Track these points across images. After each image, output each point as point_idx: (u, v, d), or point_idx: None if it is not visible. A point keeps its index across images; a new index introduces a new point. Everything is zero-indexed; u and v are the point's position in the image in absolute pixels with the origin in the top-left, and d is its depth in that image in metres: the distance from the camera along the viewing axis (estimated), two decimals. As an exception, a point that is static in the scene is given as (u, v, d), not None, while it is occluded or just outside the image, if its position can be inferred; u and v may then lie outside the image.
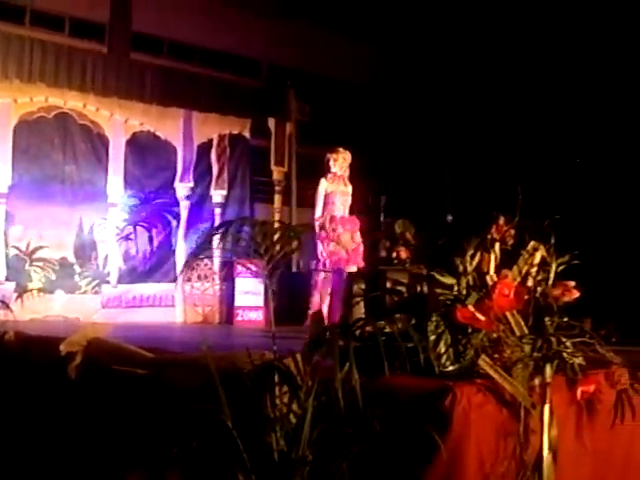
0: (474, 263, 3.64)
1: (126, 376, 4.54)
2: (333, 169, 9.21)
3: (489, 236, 3.71)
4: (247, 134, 18.51)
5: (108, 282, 16.11)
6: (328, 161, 9.30)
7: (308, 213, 19.92)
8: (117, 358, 4.84)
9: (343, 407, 3.21)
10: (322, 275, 8.99)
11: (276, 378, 3.42)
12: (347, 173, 9.44)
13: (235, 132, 18.42)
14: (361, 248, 8.93)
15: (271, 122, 18.74)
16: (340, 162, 9.29)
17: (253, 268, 3.64)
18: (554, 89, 17.25)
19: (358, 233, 9.08)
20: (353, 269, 8.62)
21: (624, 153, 17.24)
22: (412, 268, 4.07)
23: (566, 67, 17.09)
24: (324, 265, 8.79)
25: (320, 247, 8.77)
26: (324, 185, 9.16)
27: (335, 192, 9.09)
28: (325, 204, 9.06)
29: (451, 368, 3.47)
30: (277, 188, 18.99)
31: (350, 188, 9.42)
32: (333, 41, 22.26)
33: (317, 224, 8.97)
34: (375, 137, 23.61)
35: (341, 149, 9.48)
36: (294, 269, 16.69)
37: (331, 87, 22.66)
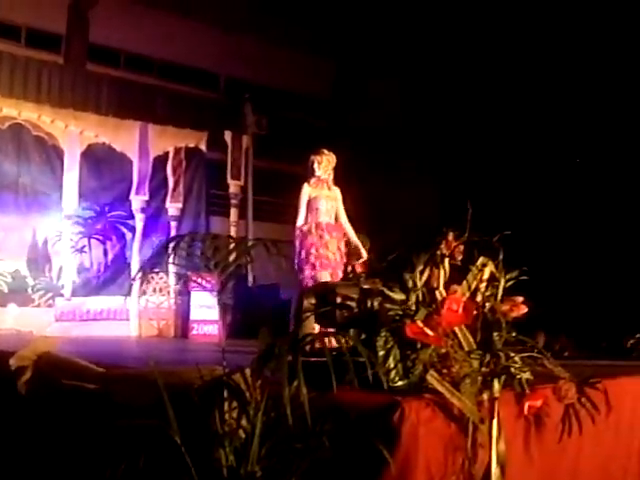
0: (423, 278, 3.66)
1: (76, 391, 4.49)
2: (317, 172, 8.65)
3: (438, 252, 3.73)
4: (203, 147, 18.50)
5: (62, 295, 15.98)
6: (312, 164, 8.73)
7: (264, 227, 20.01)
8: (67, 373, 4.79)
9: (292, 422, 3.21)
10: (311, 274, 8.32)
11: (225, 393, 3.40)
12: (331, 176, 8.82)
13: (191, 145, 18.41)
14: (344, 259, 8.52)
15: (228, 135, 18.74)
16: (324, 164, 8.73)
17: (203, 283, 3.63)
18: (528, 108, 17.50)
19: (343, 242, 8.59)
20: (326, 278, 8.11)
21: (584, 173, 17.52)
22: (367, 282, 4.08)
23: (546, 84, 17.34)
24: (313, 267, 8.19)
25: (304, 254, 8.27)
26: (307, 190, 8.63)
27: (319, 197, 8.55)
28: (309, 210, 8.55)
29: (400, 383, 3.48)
30: (233, 202, 18.97)
31: (337, 192, 8.80)
32: (291, 55, 22.33)
33: (299, 232, 8.48)
34: (334, 151, 23.72)
35: (325, 151, 8.93)
36: (250, 283, 16.71)
37: (289, 101, 22.72)
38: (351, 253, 8.99)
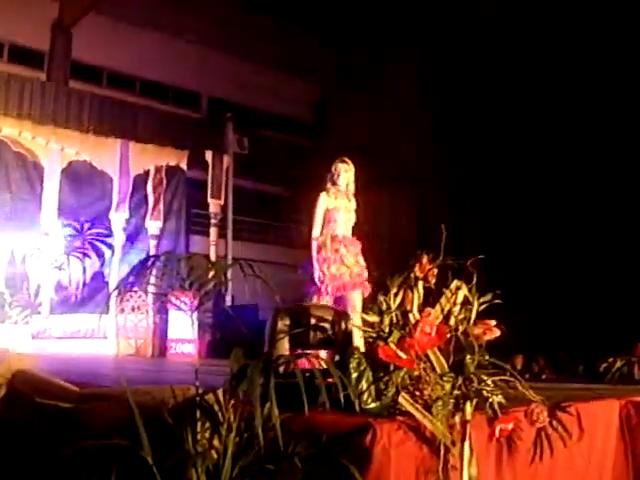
0: (397, 301, 3.68)
1: (50, 410, 4.47)
2: (339, 181, 7.95)
3: (412, 274, 3.75)
4: (184, 166, 18.53)
5: (39, 313, 15.90)
6: (335, 172, 8.00)
7: (244, 246, 20.04)
8: (42, 391, 4.76)
9: (265, 443, 3.21)
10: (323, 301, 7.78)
11: (198, 414, 3.40)
12: (352, 188, 8.15)
13: (172, 164, 18.43)
14: (366, 273, 7.86)
15: (209, 154, 18.77)
16: (347, 174, 8.05)
17: (182, 302, 3.63)
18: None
19: (361, 256, 7.93)
20: (358, 297, 7.58)
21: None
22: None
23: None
24: (325, 291, 7.63)
25: (318, 271, 7.64)
26: (324, 200, 7.95)
27: (338, 208, 7.92)
28: (326, 221, 7.89)
29: (372, 405, 3.49)
30: (213, 221, 18.98)
31: (354, 204, 8.16)
32: (274, 76, 22.44)
33: (315, 244, 7.80)
34: (313, 174, 23.75)
35: (348, 160, 8.23)
36: (229, 303, 16.68)
37: (271, 121, 22.81)
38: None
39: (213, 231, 18.85)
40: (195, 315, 3.72)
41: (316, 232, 7.79)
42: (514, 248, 17.74)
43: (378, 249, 19.67)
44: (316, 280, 7.59)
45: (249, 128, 20.20)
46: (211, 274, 3.64)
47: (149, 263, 3.78)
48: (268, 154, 21.39)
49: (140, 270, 3.80)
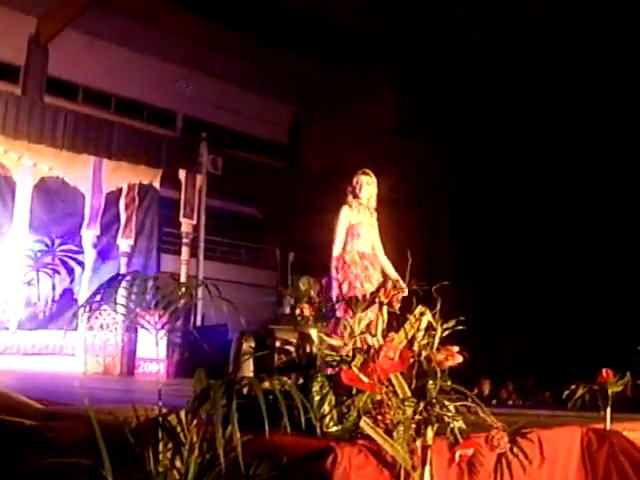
0: (362, 325, 3.70)
1: (14, 427, 4.45)
2: (362, 194, 7.41)
3: (377, 299, 3.78)
4: (157, 184, 18.52)
5: (7, 328, 15.77)
6: (358, 185, 7.46)
7: (215, 267, 20.00)
8: (6, 407, 4.74)
9: (227, 465, 3.22)
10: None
11: (161, 434, 3.40)
12: (374, 202, 7.61)
13: (145, 182, 18.42)
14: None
15: (182, 173, 18.76)
16: (372, 188, 7.54)
17: (151, 321, 3.63)
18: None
19: (382, 275, 7.29)
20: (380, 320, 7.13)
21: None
22: (314, 326, 4.12)
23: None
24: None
25: (346, 288, 6.99)
26: (348, 214, 7.35)
27: (362, 223, 7.35)
28: (349, 237, 7.30)
29: (334, 429, 3.51)
30: (185, 240, 18.94)
31: (374, 218, 7.60)
32: (251, 98, 22.50)
33: (339, 262, 7.19)
34: (287, 196, 23.86)
35: (371, 172, 7.73)
36: (198, 323, 16.65)
37: (245, 142, 22.85)
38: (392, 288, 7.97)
39: (185, 250, 18.81)
40: (162, 335, 3.71)
41: (337, 250, 7.25)
42: (487, 277, 17.85)
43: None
44: (336, 298, 6.89)
45: (223, 148, 20.24)
46: (177, 294, 3.65)
47: (116, 281, 3.79)
48: (242, 175, 21.40)
49: (107, 288, 3.81)
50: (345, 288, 6.92)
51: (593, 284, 18.25)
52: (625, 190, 17.69)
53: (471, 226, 19.17)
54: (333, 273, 7.01)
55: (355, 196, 7.38)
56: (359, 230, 7.27)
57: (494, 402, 12.90)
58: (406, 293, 7.29)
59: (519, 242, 18.34)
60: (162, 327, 3.72)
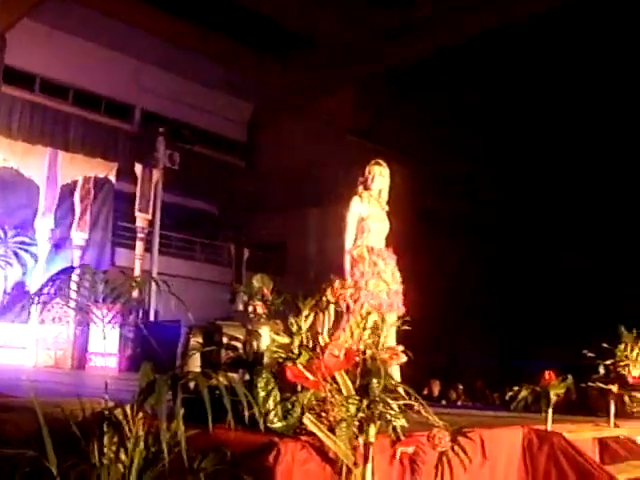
0: (308, 323, 3.75)
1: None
2: (372, 185, 7.01)
3: (324, 298, 3.83)
4: (113, 178, 18.41)
5: (-43, 320, 15.63)
6: (370, 175, 7.04)
7: (170, 262, 19.93)
8: (-48, 400, 4.73)
9: (171, 458, 3.26)
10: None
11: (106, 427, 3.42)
12: (386, 194, 7.19)
13: (101, 175, 18.31)
14: (401, 289, 6.88)
15: (138, 168, 18.65)
16: (385, 179, 7.12)
17: (103, 315, 3.65)
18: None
19: (397, 270, 6.95)
20: (393, 317, 6.42)
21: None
22: (267, 323, 4.16)
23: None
24: (359, 311, 6.51)
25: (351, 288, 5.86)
26: (358, 206, 6.95)
27: (372, 216, 6.94)
28: (359, 231, 6.90)
29: (278, 425, 3.55)
30: (140, 235, 18.84)
31: (385, 212, 7.20)
32: (209, 94, 22.45)
33: (348, 257, 6.79)
34: (244, 193, 23.85)
35: (384, 162, 7.26)
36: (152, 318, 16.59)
37: (203, 137, 22.78)
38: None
39: (139, 245, 18.72)
40: (110, 328, 3.73)
41: (349, 243, 6.87)
42: (438, 279, 18.01)
43: (302, 270, 19.75)
44: (347, 298, 6.39)
45: (181, 144, 20.18)
46: (126, 288, 3.68)
47: (65, 274, 3.81)
48: (199, 171, 21.38)
49: (56, 281, 3.82)
50: (362, 284, 6.57)
51: (543, 288, 18.52)
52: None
53: (425, 233, 19.31)
54: (346, 267, 6.70)
55: (366, 187, 7.00)
56: (369, 223, 6.90)
57: (443, 402, 13.05)
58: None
59: (470, 248, 18.54)
60: (110, 321, 3.74)
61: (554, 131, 19.06)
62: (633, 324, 7.91)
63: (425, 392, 13.27)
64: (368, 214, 6.89)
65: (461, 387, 15.97)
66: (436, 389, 13.98)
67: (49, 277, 3.82)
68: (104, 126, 19.98)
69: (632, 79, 17.05)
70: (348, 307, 5.94)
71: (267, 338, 3.94)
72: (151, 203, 18.83)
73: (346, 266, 6.69)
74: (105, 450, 3.37)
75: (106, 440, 3.39)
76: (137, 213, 18.77)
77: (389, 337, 6.09)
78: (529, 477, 5.07)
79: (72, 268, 3.94)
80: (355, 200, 6.92)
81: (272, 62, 21.57)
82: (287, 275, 20.93)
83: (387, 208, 7.07)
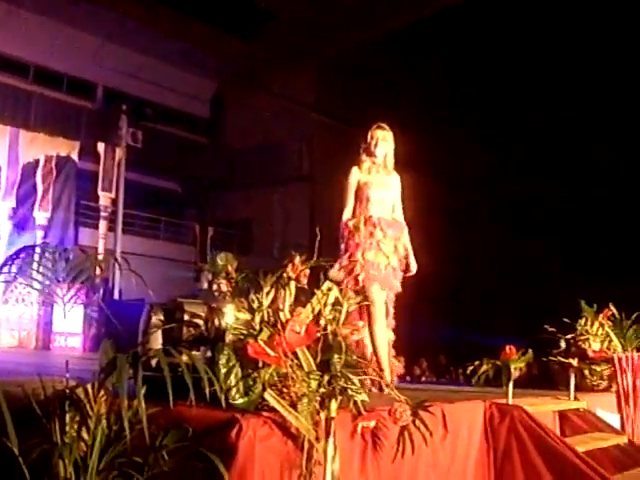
0: (269, 300, 3.76)
1: None
2: (376, 151, 6.63)
3: (285, 274, 3.84)
4: (75, 157, 18.23)
5: None
6: (372, 140, 6.67)
7: (134, 241, 19.84)
8: None
9: (134, 436, 3.27)
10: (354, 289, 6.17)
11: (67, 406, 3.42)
12: (392, 159, 6.76)
13: (63, 154, 18.12)
14: (402, 266, 6.53)
15: (101, 146, 18.46)
16: (388, 144, 6.70)
17: (67, 294, 3.64)
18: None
19: (401, 244, 6.55)
20: (390, 295, 6.37)
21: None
22: (232, 301, 4.16)
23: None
24: (355, 282, 6.15)
25: (346, 260, 6.29)
26: (356, 175, 6.62)
27: (371, 183, 6.58)
28: (358, 200, 6.57)
29: (240, 401, 3.57)
30: (103, 214, 18.68)
31: (395, 179, 6.78)
32: (173, 72, 22.29)
33: (345, 229, 6.49)
34: (208, 171, 23.79)
35: (387, 126, 6.82)
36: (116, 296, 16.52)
37: (166, 115, 22.64)
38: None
39: (103, 224, 18.58)
40: (70, 307, 3.72)
41: (347, 213, 6.57)
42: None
43: (268, 248, 19.73)
44: (341, 269, 6.22)
45: (144, 121, 20.01)
46: (87, 267, 3.67)
47: (24, 253, 3.79)
48: (162, 149, 21.27)
49: (15, 260, 3.80)
50: (345, 260, 6.30)
51: (506, 264, 18.67)
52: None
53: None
54: (341, 241, 6.44)
55: (369, 154, 6.65)
56: (368, 192, 6.54)
57: (407, 378, 13.12)
58: (414, 271, 6.53)
59: (432, 225, 18.60)
60: (70, 300, 3.73)
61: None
62: (594, 299, 8.02)
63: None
64: (368, 182, 6.56)
65: (425, 363, 16.11)
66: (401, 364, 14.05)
67: (7, 256, 3.79)
68: (66, 104, 19.79)
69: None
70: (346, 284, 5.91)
71: (231, 316, 3.94)
72: (114, 182, 18.66)
73: (343, 237, 6.44)
74: (67, 429, 3.38)
75: (68, 419, 3.40)
76: (100, 192, 18.61)
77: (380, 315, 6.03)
78: (490, 450, 5.14)
79: (31, 247, 3.91)
80: (353, 170, 6.63)
81: (234, 38, 21.44)
82: (253, 253, 20.94)
83: (395, 175, 6.74)
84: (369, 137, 6.65)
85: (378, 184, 6.56)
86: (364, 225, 6.36)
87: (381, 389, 5.20)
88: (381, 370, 6.20)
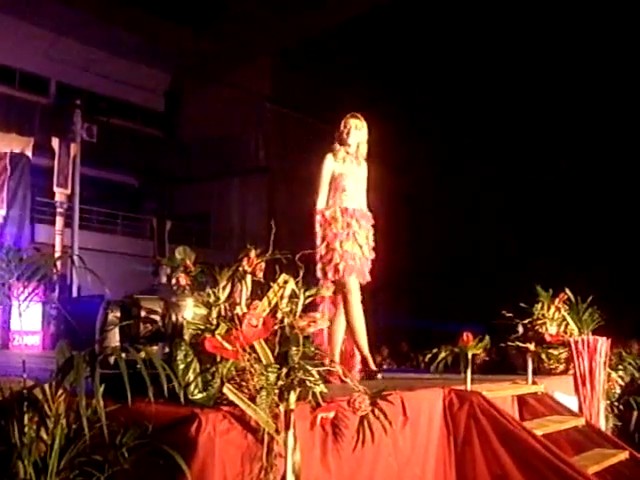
0: (225, 294, 3.77)
1: None
2: (349, 140, 6.59)
3: (241, 268, 3.85)
4: (29, 153, 18.00)
5: None
6: (346, 129, 6.63)
7: (91, 236, 19.69)
8: None
9: (93, 435, 3.26)
10: (334, 278, 6.33)
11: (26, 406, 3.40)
12: (364, 149, 6.75)
13: (17, 150, 17.89)
14: (372, 255, 6.55)
15: (55, 142, 18.24)
16: (362, 133, 6.68)
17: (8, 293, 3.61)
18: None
19: (372, 234, 6.61)
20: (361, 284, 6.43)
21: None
22: (191, 295, 4.16)
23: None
24: (334, 272, 6.24)
25: (323, 249, 6.31)
26: (330, 164, 6.55)
27: (345, 174, 6.54)
28: (332, 190, 6.52)
29: (199, 396, 3.57)
30: (59, 210, 18.47)
31: (364, 170, 6.76)
32: (127, 65, 22.14)
33: (319, 218, 6.44)
34: (164, 165, 23.68)
35: (360, 116, 6.77)
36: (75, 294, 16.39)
37: (121, 109, 22.49)
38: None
39: (59, 220, 18.38)
40: (26, 306, 3.70)
41: (321, 203, 6.51)
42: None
43: (226, 240, 19.69)
44: (317, 260, 6.28)
45: (98, 116, 19.84)
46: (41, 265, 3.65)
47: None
48: (117, 143, 21.13)
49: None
50: (323, 250, 6.32)
51: (463, 249, 18.82)
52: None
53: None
54: (317, 228, 6.39)
55: (342, 142, 6.62)
56: (343, 183, 6.53)
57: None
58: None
59: (392, 210, 18.67)
60: (26, 299, 3.71)
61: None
62: (550, 283, 8.13)
63: (351, 357, 13.41)
64: (342, 172, 6.56)
65: (386, 350, 16.18)
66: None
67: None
68: (18, 100, 19.58)
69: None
70: (325, 273, 6.19)
71: (190, 310, 3.94)
72: (70, 177, 18.45)
73: (317, 227, 6.40)
74: (25, 430, 3.36)
75: (26, 420, 3.38)
76: (56, 188, 18.39)
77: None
78: (450, 436, 5.19)
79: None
80: (328, 157, 6.58)
81: (187, 30, 21.34)
82: (212, 246, 20.90)
83: (364, 165, 6.74)
84: (342, 125, 6.64)
85: (352, 175, 6.58)
86: (341, 216, 6.38)
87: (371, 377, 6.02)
88: (363, 357, 6.45)
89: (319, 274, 6.24)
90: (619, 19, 17.39)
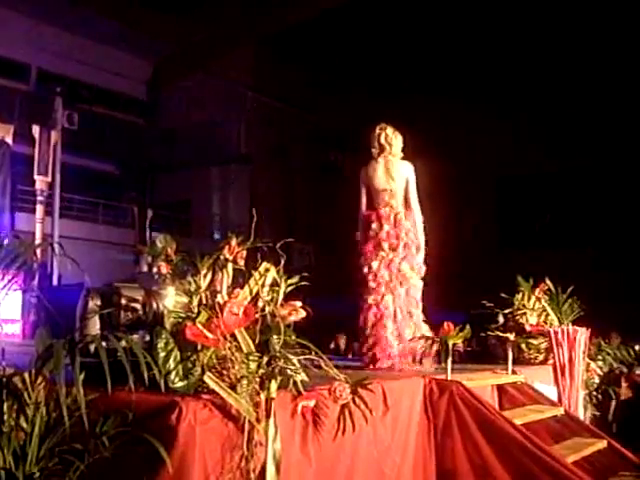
0: (206, 282, 3.76)
1: None
2: (379, 149, 6.92)
3: (222, 256, 3.84)
4: (10, 140, 17.83)
5: None
6: (380, 138, 6.91)
7: (72, 225, 19.60)
8: None
9: (73, 423, 3.25)
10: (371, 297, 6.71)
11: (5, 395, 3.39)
12: (398, 151, 6.95)
13: (-4, 138, 17.76)
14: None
15: (36, 129, 18.07)
16: (389, 138, 6.91)
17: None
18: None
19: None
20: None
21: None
22: (172, 284, 4.15)
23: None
24: (374, 277, 6.65)
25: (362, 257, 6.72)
26: (363, 174, 6.99)
27: (376, 178, 6.87)
28: (369, 196, 6.93)
29: (180, 384, 3.57)
30: (40, 198, 18.28)
31: (408, 169, 7.03)
32: (107, 52, 22.01)
33: (361, 222, 6.91)
34: (146, 153, 23.60)
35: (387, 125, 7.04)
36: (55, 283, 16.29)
37: (102, 97, 22.38)
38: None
39: (40, 208, 18.20)
40: (4, 294, 3.68)
41: (361, 208, 6.95)
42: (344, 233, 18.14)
43: (207, 229, 19.57)
44: (363, 266, 6.69)
45: (80, 103, 19.71)
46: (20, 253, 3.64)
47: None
48: (99, 131, 21.02)
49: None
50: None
51: (445, 238, 18.84)
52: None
53: (328, 186, 19.39)
54: (360, 234, 6.91)
55: (382, 150, 6.92)
56: (373, 187, 6.89)
57: (350, 356, 13.22)
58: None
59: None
60: (5, 286, 3.69)
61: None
62: (531, 272, 8.16)
63: (332, 346, 13.44)
64: (372, 177, 6.89)
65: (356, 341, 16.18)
66: (342, 343, 14.14)
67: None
68: (-2, 87, 19.43)
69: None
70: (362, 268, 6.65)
71: (171, 299, 3.94)
72: (50, 165, 18.28)
73: (360, 231, 6.91)
74: (5, 418, 3.35)
75: (5, 408, 3.37)
76: (36, 176, 18.20)
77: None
78: (431, 425, 5.21)
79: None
80: (362, 170, 7.00)
81: (169, 18, 21.23)
82: (193, 235, 20.84)
83: (407, 165, 6.97)
84: (372, 138, 6.98)
85: (381, 177, 6.98)
86: (365, 219, 6.93)
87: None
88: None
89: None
90: (619, 19, 17.47)
